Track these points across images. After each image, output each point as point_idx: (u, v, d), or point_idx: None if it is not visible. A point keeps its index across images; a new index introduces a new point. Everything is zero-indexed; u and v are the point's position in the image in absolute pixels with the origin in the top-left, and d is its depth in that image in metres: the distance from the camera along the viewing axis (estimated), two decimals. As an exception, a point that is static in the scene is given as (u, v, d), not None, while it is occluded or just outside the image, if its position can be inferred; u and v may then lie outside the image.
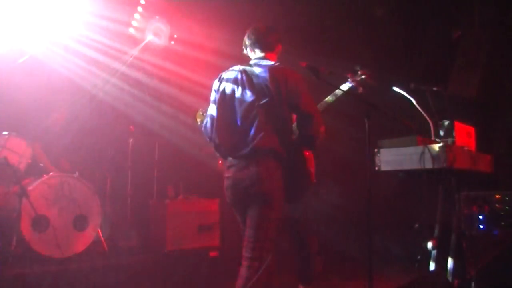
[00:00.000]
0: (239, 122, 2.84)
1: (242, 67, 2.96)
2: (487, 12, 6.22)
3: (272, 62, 2.96)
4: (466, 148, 3.32)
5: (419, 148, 3.13)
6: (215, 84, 3.04)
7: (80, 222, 4.63)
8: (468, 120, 4.07)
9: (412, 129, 3.31)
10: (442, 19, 6.51)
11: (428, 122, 3.49)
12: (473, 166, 3.29)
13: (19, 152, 4.77)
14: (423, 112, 3.54)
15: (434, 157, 3.06)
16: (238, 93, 2.88)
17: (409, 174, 3.41)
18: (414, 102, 3.59)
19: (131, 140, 5.66)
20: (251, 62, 3.03)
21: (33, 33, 5.50)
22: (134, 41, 6.35)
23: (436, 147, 3.09)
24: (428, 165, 3.08)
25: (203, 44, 6.51)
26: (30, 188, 4.41)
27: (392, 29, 6.51)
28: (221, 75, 3.04)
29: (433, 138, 3.38)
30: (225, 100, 2.92)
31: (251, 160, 2.77)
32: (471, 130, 3.59)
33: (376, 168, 3.38)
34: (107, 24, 5.80)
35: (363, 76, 3.47)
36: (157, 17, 6.35)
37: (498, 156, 5.86)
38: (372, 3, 6.44)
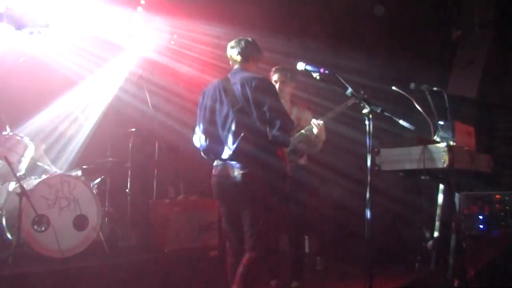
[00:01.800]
0: (220, 132, 3.17)
1: (219, 81, 3.30)
2: (487, 13, 6.23)
3: (246, 72, 3.25)
4: (466, 148, 3.32)
5: (419, 148, 3.13)
6: (200, 100, 3.37)
7: (80, 222, 4.62)
8: (468, 120, 4.08)
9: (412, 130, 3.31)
10: (442, 19, 6.52)
11: (428, 122, 3.49)
12: (473, 166, 3.29)
13: (19, 152, 4.77)
14: (423, 112, 3.54)
15: (434, 157, 3.06)
16: (217, 105, 3.21)
17: (409, 174, 3.41)
18: (414, 102, 3.59)
19: (131, 140, 5.66)
20: (229, 74, 3.32)
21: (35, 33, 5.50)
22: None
23: (436, 147, 3.09)
24: (428, 165, 3.08)
25: (202, 43, 6.51)
26: (30, 188, 4.41)
27: (392, 29, 6.51)
28: (204, 91, 3.36)
29: (433, 138, 3.38)
30: (207, 114, 3.25)
31: (235, 162, 3.09)
32: (471, 130, 3.59)
33: (376, 168, 3.38)
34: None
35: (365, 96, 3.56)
36: (157, 17, 6.35)
37: (498, 156, 5.88)
38: (372, 3, 6.44)
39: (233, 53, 3.33)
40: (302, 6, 6.38)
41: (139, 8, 6.22)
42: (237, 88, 3.14)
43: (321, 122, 3.95)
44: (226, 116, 3.14)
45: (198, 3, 6.15)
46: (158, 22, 6.42)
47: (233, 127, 3.10)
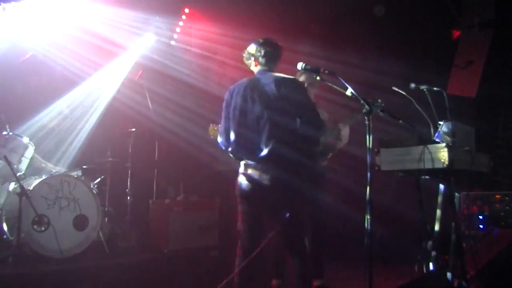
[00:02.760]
0: (252, 132, 3.11)
1: (249, 80, 3.23)
2: (487, 13, 6.22)
3: (275, 73, 3.22)
4: (466, 148, 3.31)
5: (419, 148, 3.13)
6: (227, 98, 3.27)
7: (80, 222, 4.63)
8: (468, 120, 4.08)
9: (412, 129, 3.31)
10: (442, 19, 6.51)
11: (428, 122, 3.49)
12: (473, 166, 3.29)
13: (19, 152, 4.77)
14: (423, 112, 3.54)
15: (434, 157, 3.06)
16: (249, 105, 3.14)
17: (409, 174, 3.41)
18: (414, 102, 3.59)
19: (131, 140, 5.66)
20: (257, 74, 3.28)
21: (35, 32, 5.51)
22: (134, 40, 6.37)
23: (436, 147, 3.09)
24: (428, 165, 3.08)
25: (202, 44, 6.53)
26: (30, 188, 4.41)
27: (392, 29, 6.51)
28: (232, 90, 3.27)
29: (433, 138, 3.38)
30: (237, 114, 3.17)
31: (268, 164, 3.04)
32: (471, 130, 3.59)
33: (376, 168, 3.38)
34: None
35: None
36: (157, 17, 6.36)
37: (498, 156, 5.88)
38: (372, 3, 6.44)
39: (258, 54, 3.27)
40: (301, 5, 6.39)
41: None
42: (270, 88, 3.12)
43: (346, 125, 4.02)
44: (259, 117, 3.10)
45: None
46: (158, 21, 6.43)
47: (267, 128, 3.06)
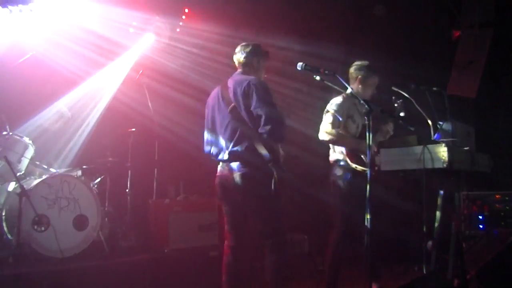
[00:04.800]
0: (220, 135, 3.31)
1: (219, 87, 3.43)
2: (487, 13, 6.22)
3: (242, 75, 3.35)
4: (466, 148, 3.31)
5: (419, 148, 3.13)
6: (206, 110, 3.51)
7: (80, 222, 4.63)
8: (468, 120, 4.07)
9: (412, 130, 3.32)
10: (442, 19, 6.52)
11: (428, 122, 3.49)
12: (473, 166, 3.29)
13: (19, 152, 4.77)
14: (423, 112, 3.54)
15: (434, 157, 3.06)
16: (216, 112, 3.36)
17: (409, 174, 3.41)
18: (414, 102, 3.59)
19: (131, 140, 5.66)
20: (229, 79, 3.41)
21: (34, 32, 5.51)
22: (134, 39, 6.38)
23: (436, 147, 3.09)
24: (428, 165, 3.08)
25: (203, 44, 6.52)
26: (30, 188, 4.41)
27: (392, 29, 6.51)
28: (208, 101, 3.50)
29: (433, 138, 3.38)
30: (210, 123, 3.42)
31: (233, 163, 3.23)
32: (471, 130, 3.59)
33: (376, 168, 3.38)
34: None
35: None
36: (157, 17, 6.36)
37: (498, 156, 5.87)
38: (372, 3, 6.44)
39: (237, 58, 3.45)
40: (302, 4, 6.38)
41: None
42: (231, 91, 3.27)
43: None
44: (223, 120, 3.29)
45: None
46: (158, 21, 6.42)
47: (228, 130, 3.24)
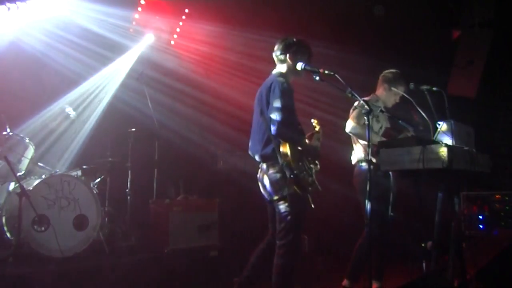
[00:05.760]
0: (255, 134, 3.36)
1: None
2: (487, 13, 6.22)
3: (272, 74, 3.34)
4: (465, 148, 3.31)
5: (419, 148, 3.13)
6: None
7: (80, 222, 4.63)
8: (468, 120, 4.07)
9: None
10: (442, 19, 6.52)
11: (428, 122, 3.49)
12: (473, 166, 3.29)
13: (19, 152, 4.77)
14: (422, 113, 3.54)
15: (434, 157, 3.06)
16: (255, 109, 3.38)
17: (409, 174, 3.41)
18: (413, 102, 3.59)
19: (131, 140, 5.66)
20: None
21: (35, 32, 5.51)
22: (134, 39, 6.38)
23: (436, 147, 3.09)
24: (428, 165, 3.08)
25: (204, 42, 6.53)
26: (30, 188, 4.41)
27: (392, 29, 6.51)
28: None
29: (432, 138, 3.38)
30: (254, 118, 3.44)
31: (262, 163, 3.31)
32: (471, 130, 3.59)
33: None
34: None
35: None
36: (157, 16, 6.37)
37: (498, 156, 5.88)
38: (372, 3, 6.44)
39: (273, 54, 3.45)
40: (301, 5, 6.39)
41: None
42: (261, 90, 3.32)
43: None
44: (256, 122, 3.36)
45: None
46: (158, 21, 6.43)
47: (260, 132, 3.29)
